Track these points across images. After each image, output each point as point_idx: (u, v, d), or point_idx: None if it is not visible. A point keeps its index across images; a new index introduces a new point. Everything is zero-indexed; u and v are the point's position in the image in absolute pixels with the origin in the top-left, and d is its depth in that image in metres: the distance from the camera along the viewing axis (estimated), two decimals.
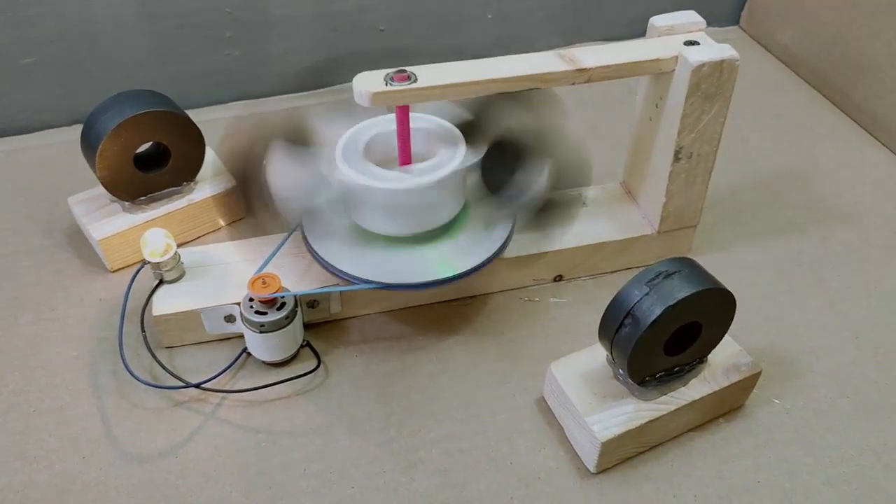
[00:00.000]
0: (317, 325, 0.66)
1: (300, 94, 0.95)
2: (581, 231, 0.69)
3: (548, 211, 0.66)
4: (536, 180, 0.63)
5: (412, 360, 0.64)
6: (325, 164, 0.62)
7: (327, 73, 0.92)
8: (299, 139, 0.62)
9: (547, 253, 0.68)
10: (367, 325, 0.67)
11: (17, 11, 0.81)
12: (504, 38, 1.00)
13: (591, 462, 0.56)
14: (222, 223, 0.76)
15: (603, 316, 0.55)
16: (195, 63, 0.90)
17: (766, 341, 0.65)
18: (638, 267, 0.71)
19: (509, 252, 0.66)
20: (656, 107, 0.65)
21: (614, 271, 0.72)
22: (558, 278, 0.71)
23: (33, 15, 0.82)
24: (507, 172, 0.63)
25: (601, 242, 0.69)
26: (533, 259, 0.68)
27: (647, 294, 0.52)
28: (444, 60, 0.59)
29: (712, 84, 0.60)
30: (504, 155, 0.63)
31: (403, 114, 0.60)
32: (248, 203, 0.66)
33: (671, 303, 0.51)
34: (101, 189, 0.72)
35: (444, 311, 0.68)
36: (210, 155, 0.75)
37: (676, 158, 0.64)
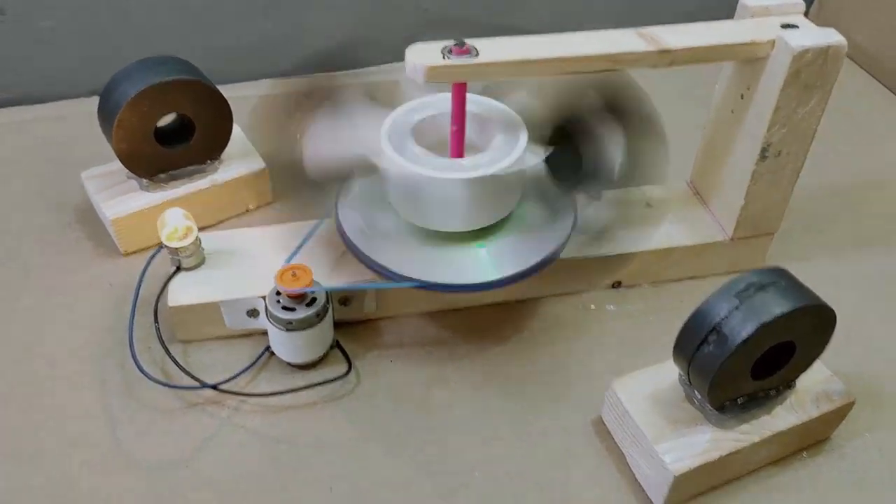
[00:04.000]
0: (348, 325, 0.59)
1: (335, 73, 0.88)
2: (646, 235, 0.62)
3: (614, 209, 0.59)
4: (607, 171, 0.56)
5: (454, 369, 0.57)
6: (369, 146, 0.55)
7: (363, 52, 0.86)
8: (344, 108, 0.55)
9: (608, 257, 0.61)
10: (403, 328, 0.60)
11: None
12: (558, 21, 0.93)
13: (658, 497, 0.49)
14: (249, 207, 0.69)
15: (682, 331, 0.47)
16: (226, 35, 0.83)
17: (853, 366, 0.57)
18: (706, 277, 0.64)
19: (565, 253, 0.60)
20: (741, 98, 0.57)
21: (679, 280, 0.64)
22: (616, 284, 0.64)
23: None
24: (574, 162, 0.55)
25: (668, 248, 0.62)
26: (591, 263, 0.61)
27: (736, 308, 0.45)
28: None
29: (813, 73, 0.53)
30: (571, 141, 0.55)
31: (460, 93, 0.53)
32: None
33: (766, 320, 0.44)
34: (117, 164, 0.65)
35: (489, 315, 0.61)
36: (237, 132, 0.69)
37: (762, 157, 0.57)
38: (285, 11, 0.84)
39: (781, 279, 0.46)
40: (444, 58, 0.50)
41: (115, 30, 0.81)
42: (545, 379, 0.57)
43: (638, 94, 0.55)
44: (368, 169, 0.55)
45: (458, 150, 0.55)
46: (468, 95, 0.54)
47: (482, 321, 0.61)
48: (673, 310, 0.62)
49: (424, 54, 0.50)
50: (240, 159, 0.68)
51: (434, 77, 0.50)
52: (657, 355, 0.53)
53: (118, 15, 0.80)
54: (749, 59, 0.54)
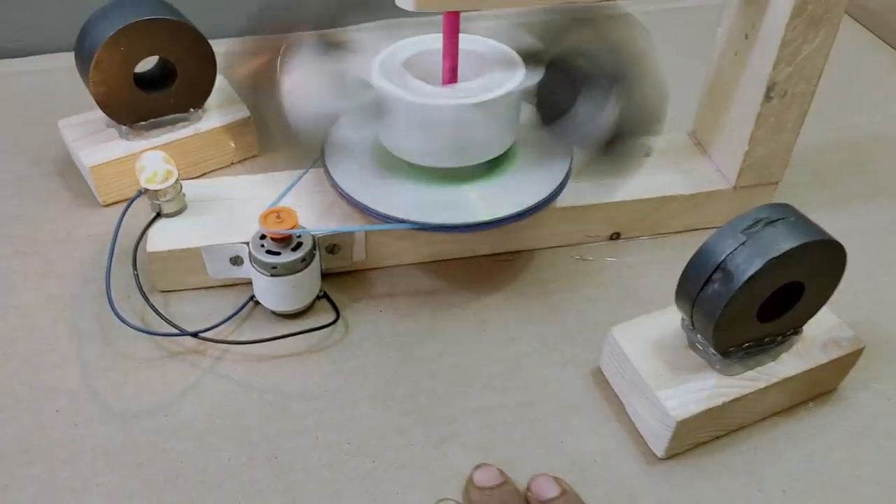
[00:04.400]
0: (336, 276, 0.57)
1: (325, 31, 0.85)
2: (644, 183, 0.60)
3: (611, 153, 0.56)
4: (602, 113, 0.53)
5: (446, 319, 0.55)
6: (358, 77, 0.52)
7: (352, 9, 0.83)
8: (330, 42, 0.53)
9: (605, 204, 0.59)
10: (393, 278, 0.58)
11: None
12: None
13: (659, 445, 0.47)
14: (234, 160, 0.67)
15: (685, 270, 0.45)
16: None
17: (861, 317, 0.55)
18: (707, 228, 0.62)
19: (561, 201, 0.57)
20: (745, 38, 0.55)
21: (679, 232, 0.62)
22: (615, 236, 0.61)
23: None
24: (566, 100, 0.53)
25: (668, 196, 0.60)
26: (588, 211, 0.59)
27: (743, 244, 0.43)
28: None
29: (820, 5, 0.50)
30: (565, 80, 0.53)
31: (452, 22, 0.50)
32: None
33: (775, 255, 0.42)
34: (97, 113, 0.63)
35: (482, 266, 0.59)
36: (221, 83, 0.66)
37: (767, 97, 0.55)
38: None
39: (790, 214, 0.44)
40: None
41: None
42: (541, 329, 0.54)
43: (638, 34, 0.53)
44: (361, 108, 0.52)
45: (451, 80, 0.53)
46: (463, 37, 0.52)
47: (476, 272, 0.58)
48: (674, 260, 0.58)
49: None
50: (224, 108, 0.65)
51: (425, 4, 0.47)
52: (659, 305, 0.51)
53: None
54: None
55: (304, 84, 0.52)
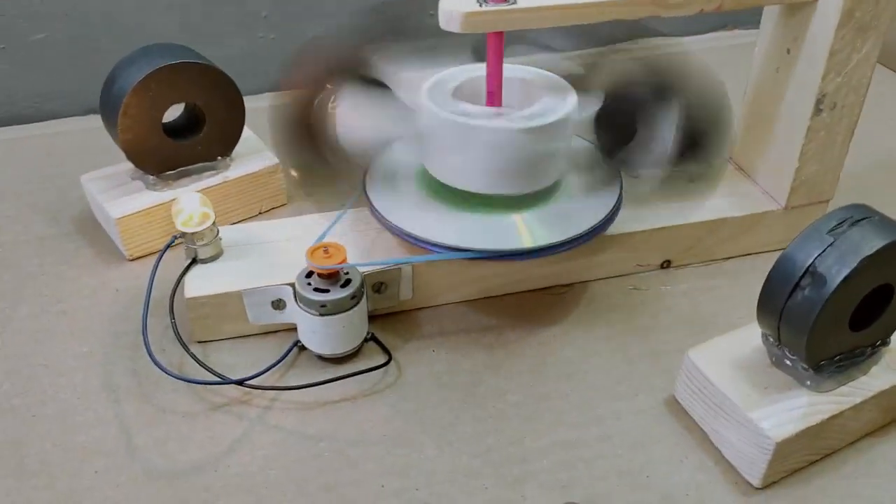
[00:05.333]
0: (381, 318, 0.54)
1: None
2: (693, 208, 0.58)
3: (686, 168, 0.54)
4: (665, 130, 0.52)
5: (503, 356, 0.52)
6: (406, 108, 0.51)
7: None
8: (372, 78, 0.51)
9: (656, 230, 0.56)
10: (442, 317, 0.55)
11: None
12: None
13: (755, 473, 0.43)
14: (262, 209, 0.64)
15: (767, 281, 0.43)
16: (225, 46, 0.80)
17: None
18: (758, 253, 0.60)
19: (611, 229, 0.55)
20: (788, 52, 0.54)
21: (729, 258, 0.60)
22: (666, 264, 0.59)
23: None
24: (627, 129, 0.51)
25: (719, 219, 0.58)
26: (639, 238, 0.57)
27: (831, 245, 0.41)
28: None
29: (867, 12, 0.50)
30: (621, 109, 0.52)
31: (496, 43, 0.49)
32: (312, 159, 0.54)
33: (868, 253, 0.40)
34: (120, 166, 0.61)
35: (534, 300, 0.56)
36: (247, 132, 0.65)
37: (817, 110, 0.53)
38: (288, 19, 0.81)
39: (872, 213, 0.42)
40: (480, 5, 0.47)
41: (110, 42, 0.77)
42: (605, 361, 0.51)
43: (700, 69, 0.52)
44: (407, 134, 0.51)
45: (496, 102, 0.51)
46: (508, 66, 0.51)
47: (528, 307, 0.56)
48: (730, 285, 0.57)
49: (459, 2, 0.47)
50: (251, 156, 0.63)
51: (470, 26, 0.46)
52: (721, 330, 0.48)
53: (112, 25, 0.76)
54: (800, 0, 0.51)
55: (355, 114, 0.50)
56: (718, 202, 0.59)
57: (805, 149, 0.55)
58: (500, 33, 0.49)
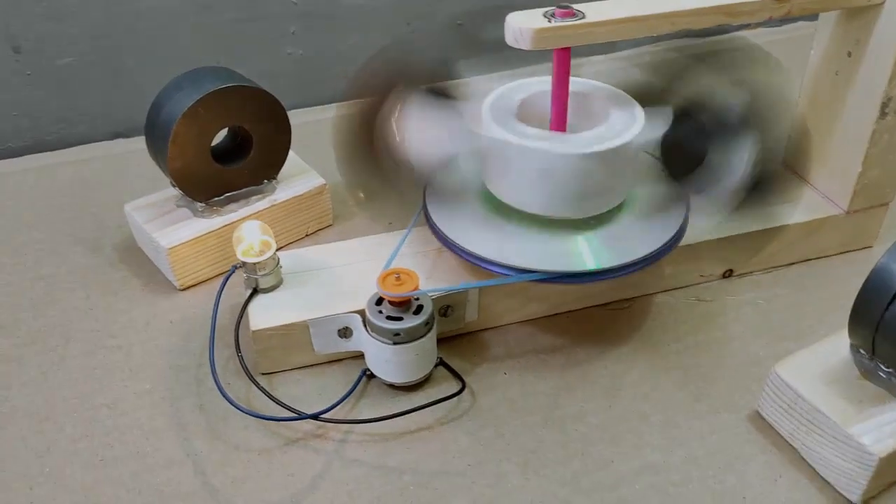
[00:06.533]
0: (446, 340, 0.53)
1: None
2: (754, 216, 0.57)
3: (755, 201, 0.53)
4: (739, 161, 0.50)
5: (577, 376, 0.51)
6: (471, 121, 0.49)
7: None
8: (439, 89, 0.50)
9: (718, 240, 0.55)
10: (509, 338, 0.53)
11: (55, 1, 0.70)
12: None
13: (854, 489, 0.42)
14: (308, 231, 0.63)
15: (861, 293, 0.42)
16: (253, 62, 0.78)
17: None
18: (820, 258, 0.59)
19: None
20: (849, 55, 0.54)
21: (791, 264, 0.59)
22: (728, 273, 0.58)
23: (74, 4, 0.70)
24: (698, 151, 0.50)
25: (781, 226, 0.57)
26: (702, 248, 0.55)
27: None
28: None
29: None
30: (694, 128, 0.50)
31: (563, 59, 0.48)
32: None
33: None
34: (162, 193, 0.59)
35: (598, 317, 0.55)
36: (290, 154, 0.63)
37: (882, 114, 0.53)
38: (316, 35, 0.79)
39: None
40: (548, 21, 0.45)
41: (137, 63, 0.75)
42: (682, 378, 0.50)
43: (772, 69, 0.50)
44: (472, 149, 0.49)
45: (561, 124, 0.50)
46: (578, 80, 0.50)
47: (594, 324, 0.54)
48: (795, 293, 0.57)
49: (528, 19, 0.45)
50: (297, 177, 0.62)
51: (541, 43, 0.45)
52: (799, 340, 0.48)
53: (139, 46, 0.75)
54: (866, 4, 0.51)
55: (421, 130, 0.49)
56: (779, 208, 0.58)
57: (869, 153, 0.55)
58: (568, 49, 0.47)
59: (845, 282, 0.56)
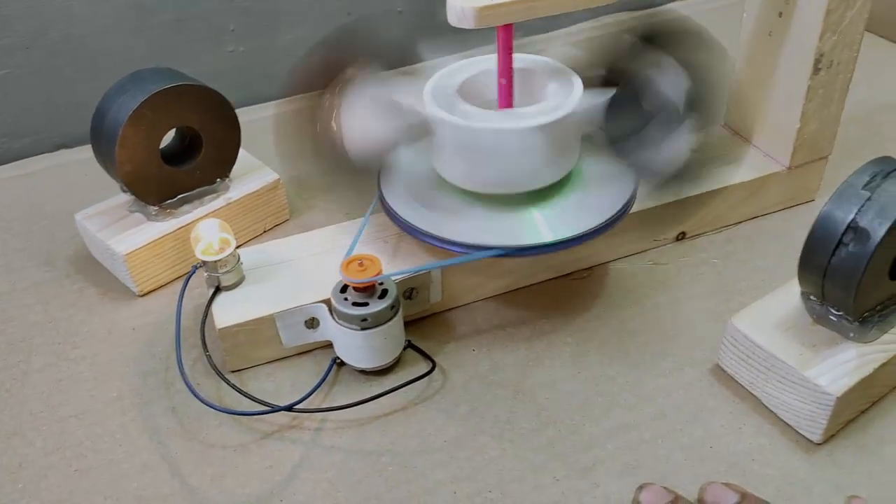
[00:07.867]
0: (413, 323, 0.53)
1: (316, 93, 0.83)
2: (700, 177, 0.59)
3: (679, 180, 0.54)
4: (673, 144, 0.51)
5: (544, 346, 0.52)
6: (412, 105, 0.50)
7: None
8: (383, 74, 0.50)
9: (668, 204, 0.57)
10: (474, 315, 0.54)
11: None
12: None
13: (814, 429, 0.44)
14: (266, 227, 0.63)
15: (808, 241, 0.44)
16: (195, 63, 0.77)
17: None
18: (765, 214, 0.61)
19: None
20: (780, 15, 0.55)
21: (739, 222, 0.61)
22: (681, 236, 0.60)
23: (7, 15, 0.69)
24: (636, 123, 0.51)
25: (728, 186, 0.59)
26: (654, 213, 0.57)
27: (869, 199, 0.42)
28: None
29: None
30: (637, 101, 0.51)
31: (507, 37, 0.49)
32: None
33: None
34: (113, 200, 0.59)
35: (560, 287, 0.56)
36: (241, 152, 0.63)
37: (815, 70, 0.55)
38: (256, 31, 0.79)
39: None
40: None
41: (75, 70, 0.74)
42: (643, 338, 0.52)
43: (716, 55, 0.51)
44: (417, 134, 0.50)
45: (508, 103, 0.51)
46: (519, 56, 0.50)
47: (556, 295, 0.56)
48: (746, 249, 0.58)
49: None
50: (250, 174, 0.62)
51: (484, 20, 0.46)
52: (752, 295, 0.49)
53: (77, 52, 0.73)
54: None
55: (360, 116, 0.49)
56: (724, 169, 0.60)
57: (805, 108, 0.57)
58: (510, 26, 0.48)
59: (792, 235, 0.58)
